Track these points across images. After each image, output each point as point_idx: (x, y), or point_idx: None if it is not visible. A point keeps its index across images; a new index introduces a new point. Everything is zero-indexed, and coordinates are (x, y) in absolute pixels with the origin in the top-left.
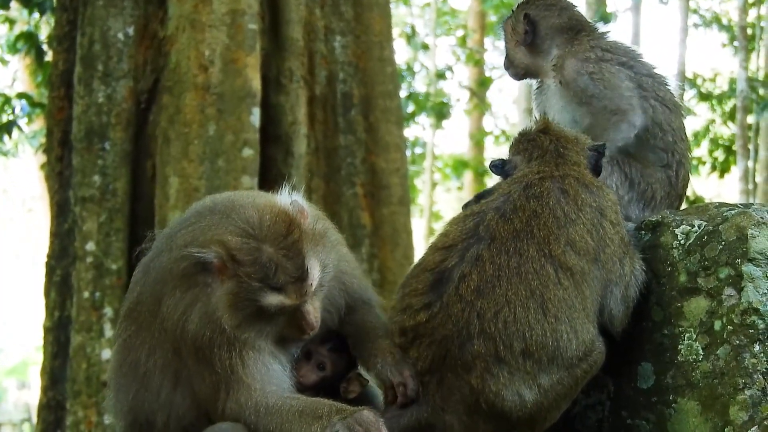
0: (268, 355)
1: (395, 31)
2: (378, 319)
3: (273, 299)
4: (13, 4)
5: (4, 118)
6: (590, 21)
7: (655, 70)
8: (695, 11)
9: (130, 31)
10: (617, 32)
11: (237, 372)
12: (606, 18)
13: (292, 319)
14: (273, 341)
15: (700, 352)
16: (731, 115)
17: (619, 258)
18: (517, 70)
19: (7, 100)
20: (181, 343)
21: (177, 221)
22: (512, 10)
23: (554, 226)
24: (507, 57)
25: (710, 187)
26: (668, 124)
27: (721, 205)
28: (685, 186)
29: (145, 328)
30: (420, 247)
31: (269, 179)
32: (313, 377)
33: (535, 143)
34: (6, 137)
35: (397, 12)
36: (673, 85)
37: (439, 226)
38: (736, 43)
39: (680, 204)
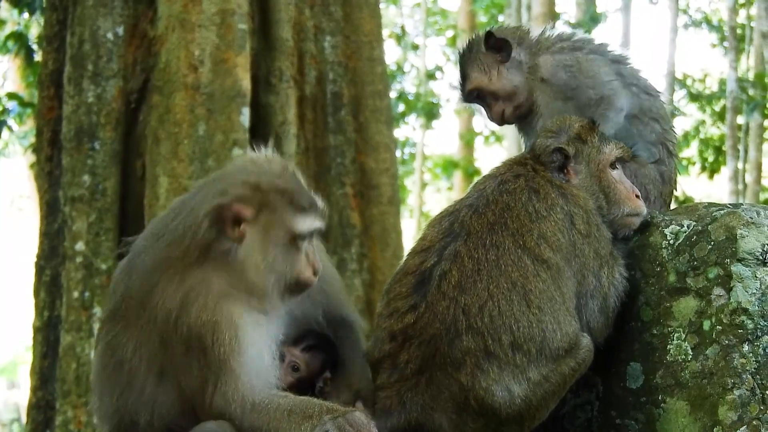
0: (264, 348)
1: (385, 31)
2: (357, 346)
3: (304, 223)
4: (3, 4)
5: None
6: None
7: (627, 58)
8: (685, 11)
9: (120, 30)
10: (607, 32)
11: (229, 362)
12: (596, 18)
13: (305, 263)
14: (276, 318)
15: (689, 352)
16: (721, 116)
17: (593, 272)
18: (512, 104)
19: None
20: (173, 331)
21: (158, 220)
22: (468, 56)
23: (526, 219)
24: (495, 101)
25: (700, 187)
26: (656, 110)
27: (711, 205)
28: (676, 178)
29: (132, 324)
30: (409, 248)
31: None
32: (289, 379)
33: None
34: None
35: (387, 12)
36: (645, 74)
37: None
38: (726, 44)
39: (671, 197)
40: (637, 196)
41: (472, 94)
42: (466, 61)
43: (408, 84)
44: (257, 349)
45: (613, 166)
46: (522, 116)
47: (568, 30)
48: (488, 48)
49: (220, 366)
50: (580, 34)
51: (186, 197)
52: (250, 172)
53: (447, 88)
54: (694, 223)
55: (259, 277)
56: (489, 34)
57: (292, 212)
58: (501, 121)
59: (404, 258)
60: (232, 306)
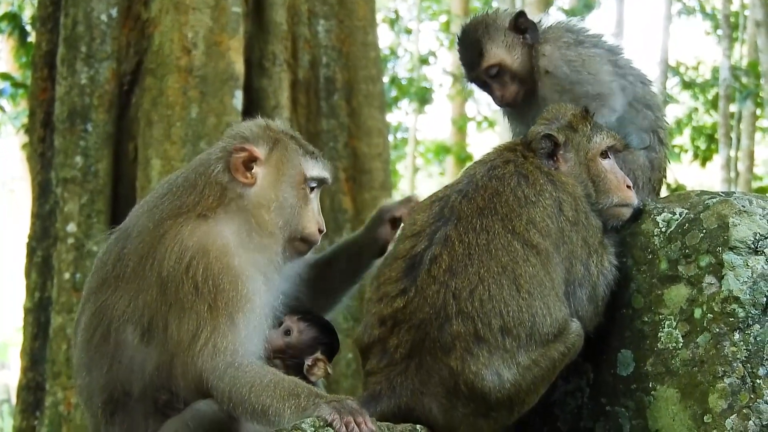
0: (264, 318)
1: (379, 16)
2: None
3: (315, 167)
4: None
5: None
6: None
7: (621, 49)
8: None
9: (114, 12)
10: (601, 19)
11: (235, 316)
12: (589, 5)
13: (312, 216)
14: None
15: (680, 339)
16: (714, 104)
17: (581, 260)
18: (524, 87)
19: None
20: (184, 273)
21: (153, 193)
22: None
23: (515, 204)
24: (512, 81)
25: (692, 175)
26: (649, 98)
27: (703, 193)
28: (666, 166)
29: (128, 280)
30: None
31: None
32: (278, 342)
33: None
34: None
35: None
36: (636, 63)
37: None
38: (719, 32)
39: (661, 184)
40: (628, 187)
41: (489, 71)
42: (483, 36)
43: (401, 69)
44: (260, 317)
45: (604, 155)
46: (524, 101)
47: (570, 21)
48: (514, 28)
49: (223, 315)
50: (579, 24)
51: (173, 177)
52: (257, 120)
53: (440, 73)
54: (687, 211)
55: (270, 217)
56: (521, 14)
57: (302, 154)
58: (512, 103)
59: (395, 242)
60: (251, 261)
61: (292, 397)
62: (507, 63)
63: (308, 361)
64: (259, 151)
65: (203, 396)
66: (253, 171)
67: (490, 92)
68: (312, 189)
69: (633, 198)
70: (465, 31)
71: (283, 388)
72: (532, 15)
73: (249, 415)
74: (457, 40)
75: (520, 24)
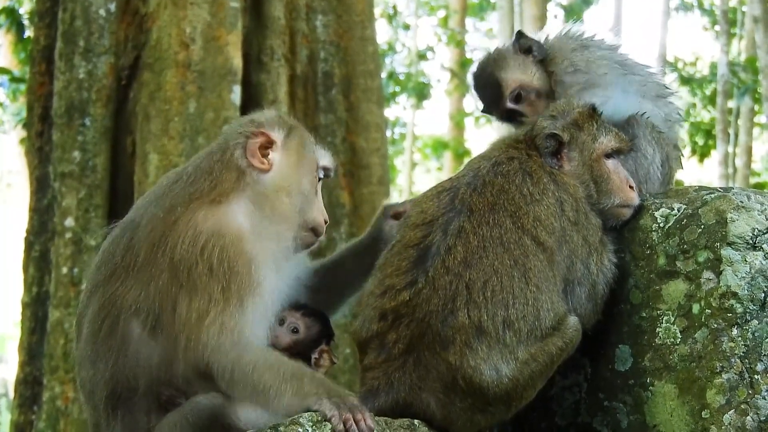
0: (272, 306)
1: (377, 11)
2: None
3: (325, 157)
4: None
5: None
6: None
7: (619, 46)
8: None
9: (112, 7)
10: (599, 15)
11: (245, 299)
12: (588, 0)
13: (320, 207)
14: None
15: (678, 335)
16: (712, 100)
17: (581, 259)
18: (546, 102)
19: None
20: (199, 254)
21: (159, 184)
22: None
23: (521, 201)
24: (538, 98)
25: (690, 171)
26: (666, 91)
27: (701, 188)
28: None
29: (135, 274)
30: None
31: None
32: (286, 340)
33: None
34: None
35: None
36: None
37: None
38: (717, 28)
39: (671, 180)
40: (630, 187)
41: (513, 97)
42: (494, 69)
43: (399, 64)
44: (268, 303)
45: (609, 155)
46: None
47: (570, 27)
48: (519, 49)
49: (235, 297)
50: (578, 28)
51: (189, 162)
52: (268, 110)
53: (438, 69)
54: (685, 206)
55: (289, 200)
56: (520, 34)
57: (313, 143)
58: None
59: (400, 230)
60: (264, 247)
61: (294, 379)
62: (526, 82)
63: (315, 354)
64: (278, 136)
65: (199, 376)
66: (269, 157)
67: (525, 118)
68: (319, 180)
69: (635, 199)
70: (476, 75)
71: (287, 369)
72: (533, 26)
73: (248, 394)
74: (474, 88)
75: (522, 45)
